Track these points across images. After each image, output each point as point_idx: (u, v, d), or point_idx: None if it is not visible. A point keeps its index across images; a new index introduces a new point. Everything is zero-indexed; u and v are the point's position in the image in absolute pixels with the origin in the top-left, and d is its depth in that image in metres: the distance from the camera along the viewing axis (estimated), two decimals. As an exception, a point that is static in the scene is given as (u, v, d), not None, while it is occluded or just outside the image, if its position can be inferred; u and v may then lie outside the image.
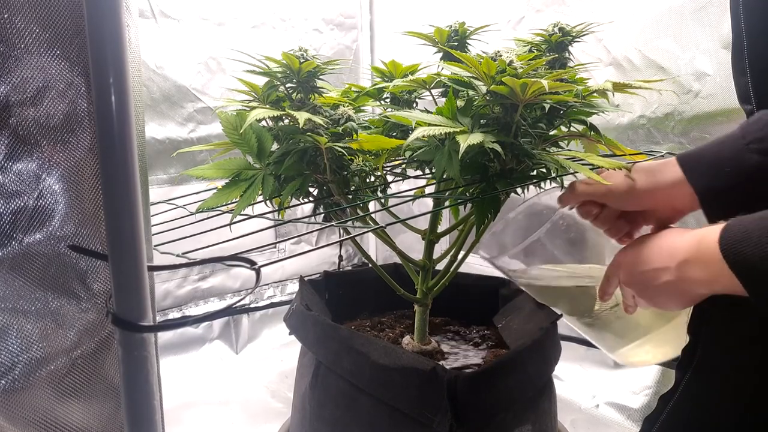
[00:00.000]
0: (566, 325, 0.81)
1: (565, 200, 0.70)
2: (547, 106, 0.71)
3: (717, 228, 0.51)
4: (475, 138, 0.59)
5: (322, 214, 0.77)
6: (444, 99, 0.67)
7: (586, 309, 0.74)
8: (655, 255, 0.58)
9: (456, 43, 0.82)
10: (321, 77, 0.71)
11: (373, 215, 0.88)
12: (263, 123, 0.73)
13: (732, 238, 0.49)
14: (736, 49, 0.65)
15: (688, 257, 0.54)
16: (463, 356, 0.96)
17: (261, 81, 0.72)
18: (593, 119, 0.76)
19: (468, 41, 0.83)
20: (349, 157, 0.70)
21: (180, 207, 0.79)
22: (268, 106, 0.70)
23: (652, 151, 1.01)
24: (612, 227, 0.69)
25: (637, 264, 0.60)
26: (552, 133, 0.73)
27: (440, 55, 0.82)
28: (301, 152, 0.68)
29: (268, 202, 0.70)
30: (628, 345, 0.73)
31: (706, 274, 0.52)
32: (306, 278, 1.06)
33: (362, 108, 0.85)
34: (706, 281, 0.53)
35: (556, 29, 0.78)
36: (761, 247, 0.47)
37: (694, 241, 0.54)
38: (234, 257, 0.51)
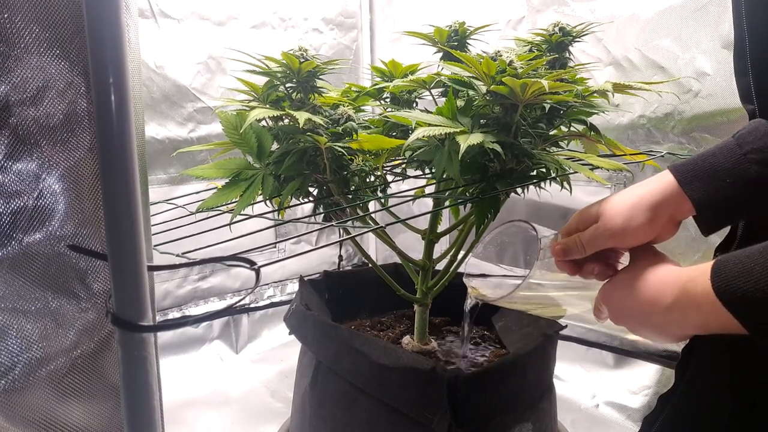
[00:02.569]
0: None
1: (561, 266, 0.60)
2: (547, 106, 0.71)
3: (703, 268, 0.48)
4: (475, 138, 0.59)
5: (322, 214, 0.77)
6: (444, 99, 0.67)
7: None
8: (637, 299, 0.54)
9: (456, 43, 0.82)
10: (321, 77, 0.71)
11: (373, 215, 0.88)
12: (263, 123, 0.73)
13: (727, 275, 0.46)
14: (738, 48, 0.64)
15: (673, 302, 0.51)
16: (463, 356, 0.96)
17: (261, 81, 0.72)
18: (593, 119, 0.76)
19: (468, 41, 0.83)
20: (349, 157, 0.70)
21: (180, 207, 0.79)
22: (268, 105, 0.70)
23: (651, 151, 1.01)
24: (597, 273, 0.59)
25: (622, 308, 0.56)
26: (552, 133, 0.73)
27: (440, 55, 0.82)
28: (300, 152, 0.68)
29: (267, 201, 0.70)
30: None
31: (696, 317, 0.49)
32: (306, 278, 1.06)
33: (362, 108, 0.85)
34: (696, 325, 0.50)
35: (556, 29, 0.78)
36: (762, 283, 0.43)
37: (678, 283, 0.51)
38: (234, 257, 0.51)
